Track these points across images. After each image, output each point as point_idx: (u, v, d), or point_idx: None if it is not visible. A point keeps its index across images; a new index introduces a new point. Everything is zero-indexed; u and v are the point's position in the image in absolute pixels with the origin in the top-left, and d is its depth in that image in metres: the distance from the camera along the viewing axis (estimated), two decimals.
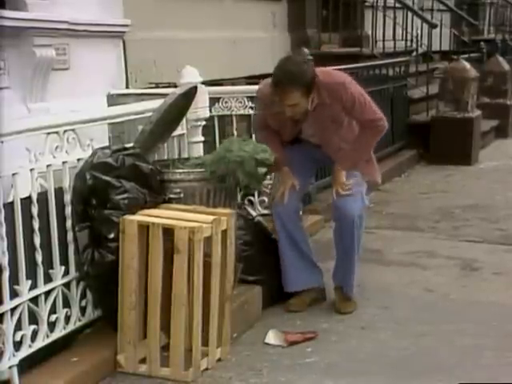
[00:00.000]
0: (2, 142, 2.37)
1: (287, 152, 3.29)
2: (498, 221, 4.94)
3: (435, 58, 8.88)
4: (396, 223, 4.95)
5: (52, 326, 2.65)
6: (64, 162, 2.67)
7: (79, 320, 2.78)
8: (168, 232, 2.66)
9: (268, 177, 3.36)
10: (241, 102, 4.07)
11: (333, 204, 3.27)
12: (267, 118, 3.27)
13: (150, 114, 3.16)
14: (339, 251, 3.33)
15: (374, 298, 3.52)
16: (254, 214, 3.72)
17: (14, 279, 2.47)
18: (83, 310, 2.80)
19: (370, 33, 7.53)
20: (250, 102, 4.06)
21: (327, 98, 3.10)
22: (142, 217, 2.72)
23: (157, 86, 4.63)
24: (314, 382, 2.72)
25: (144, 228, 2.68)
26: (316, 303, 3.41)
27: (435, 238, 4.61)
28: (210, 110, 3.88)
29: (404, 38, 8.00)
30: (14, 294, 2.47)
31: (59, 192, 2.68)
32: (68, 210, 2.71)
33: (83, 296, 2.80)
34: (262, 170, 3.08)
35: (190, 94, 3.27)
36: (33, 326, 2.56)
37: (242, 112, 4.08)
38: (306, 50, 5.01)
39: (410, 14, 7.89)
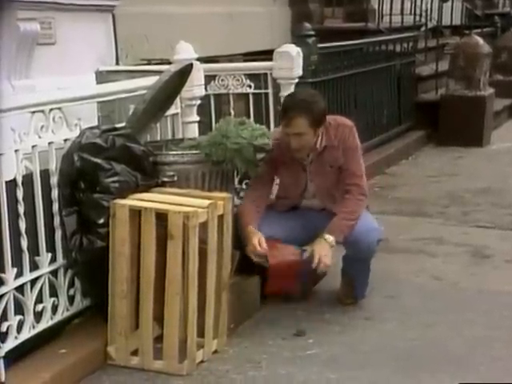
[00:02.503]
0: None
1: (279, 219, 3.24)
2: (510, 205, 4.94)
3: (446, 33, 8.85)
4: (402, 208, 4.95)
5: (38, 316, 2.66)
6: (50, 143, 2.66)
7: (67, 310, 2.79)
8: (161, 217, 2.66)
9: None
10: (238, 80, 4.06)
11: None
12: (275, 169, 3.25)
13: (141, 92, 3.15)
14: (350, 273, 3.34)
15: (379, 287, 3.53)
16: None
17: None
18: (71, 299, 2.80)
19: (376, 6, 7.50)
20: (248, 80, 4.05)
21: (334, 138, 3.18)
22: (133, 201, 2.72)
23: (149, 62, 4.62)
24: (316, 375, 2.73)
25: (136, 213, 2.68)
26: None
27: (444, 224, 4.62)
28: (206, 89, 3.86)
29: (412, 11, 7.96)
30: None
31: (45, 174, 2.67)
32: (54, 193, 2.71)
33: (71, 284, 2.80)
34: (261, 155, 3.09)
35: (186, 71, 3.26)
36: (19, 317, 2.56)
37: (239, 90, 4.07)
38: (307, 25, 4.98)
39: None
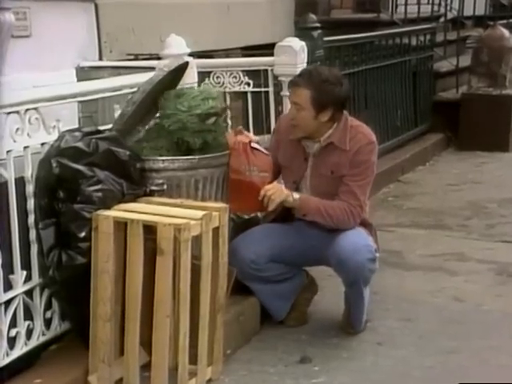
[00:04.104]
0: None
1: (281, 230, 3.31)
2: None
3: (467, 25, 8.89)
4: (419, 220, 4.97)
5: (12, 342, 2.65)
6: (26, 147, 2.67)
7: (43, 334, 2.78)
8: (149, 230, 2.67)
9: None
10: (235, 77, 4.08)
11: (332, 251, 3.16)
12: (276, 152, 3.31)
13: (127, 90, 3.16)
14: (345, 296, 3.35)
15: (393, 309, 3.54)
16: None
17: None
18: (48, 322, 2.80)
19: None
20: (247, 77, 4.07)
21: (349, 142, 3.19)
22: (118, 212, 2.73)
23: (136, 57, 4.64)
24: None
25: (121, 225, 2.69)
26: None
27: (466, 238, 4.63)
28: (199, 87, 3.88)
29: (430, 1, 8.00)
30: None
31: (20, 182, 2.68)
32: (30, 203, 2.71)
33: (48, 306, 2.80)
34: (211, 120, 3.10)
35: (180, 71, 3.27)
36: None
37: (236, 89, 4.10)
38: (312, 17, 5.00)
39: None
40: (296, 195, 3.19)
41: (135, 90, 3.21)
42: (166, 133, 3.08)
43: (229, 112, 4.07)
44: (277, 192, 3.13)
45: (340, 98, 3.17)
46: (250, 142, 3.17)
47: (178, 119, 3.05)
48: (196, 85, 3.71)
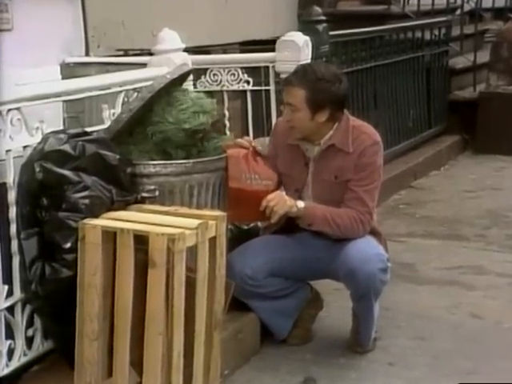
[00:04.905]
0: None
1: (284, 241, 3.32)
2: None
3: (486, 18, 8.91)
4: (433, 230, 4.97)
5: None
6: (7, 151, 2.68)
7: (24, 354, 2.78)
8: (141, 240, 2.67)
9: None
10: (234, 75, 4.09)
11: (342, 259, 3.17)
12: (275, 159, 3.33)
13: (116, 89, 3.18)
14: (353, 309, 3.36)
15: (405, 326, 3.54)
16: None
17: None
18: (30, 341, 2.80)
19: None
20: (246, 75, 4.08)
21: (351, 144, 3.20)
22: (107, 221, 2.74)
23: (126, 53, 4.66)
24: None
25: (110, 235, 2.69)
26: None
27: (484, 250, 4.64)
28: (195, 85, 3.90)
29: None
30: None
31: (1, 189, 2.69)
32: (12, 212, 2.72)
33: (30, 323, 2.80)
34: (199, 135, 3.12)
35: (182, 78, 3.27)
36: None
37: (235, 87, 4.11)
38: (317, 9, 5.01)
39: None
40: (301, 204, 3.18)
41: (125, 88, 3.23)
42: (149, 141, 3.09)
43: (227, 113, 4.10)
44: (280, 202, 3.13)
45: (338, 96, 3.17)
46: (253, 148, 3.18)
47: (163, 130, 3.06)
48: (191, 83, 3.73)
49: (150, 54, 3.86)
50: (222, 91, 4.10)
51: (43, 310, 2.79)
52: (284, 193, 3.27)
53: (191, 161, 3.07)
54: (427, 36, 6.76)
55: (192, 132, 3.09)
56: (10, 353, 2.73)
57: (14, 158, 2.72)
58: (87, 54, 4.47)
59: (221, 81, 4.10)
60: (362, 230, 3.19)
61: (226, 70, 4.10)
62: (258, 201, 3.12)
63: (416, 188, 5.91)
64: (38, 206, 2.72)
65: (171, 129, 3.06)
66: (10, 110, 2.65)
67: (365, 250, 3.13)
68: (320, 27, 4.91)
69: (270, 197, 3.13)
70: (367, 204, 3.19)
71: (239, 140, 3.26)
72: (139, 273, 2.68)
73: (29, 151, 2.76)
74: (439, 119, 7.04)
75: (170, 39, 3.68)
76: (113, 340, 2.73)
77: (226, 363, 3.03)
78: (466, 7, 8.08)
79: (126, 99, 3.27)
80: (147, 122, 3.11)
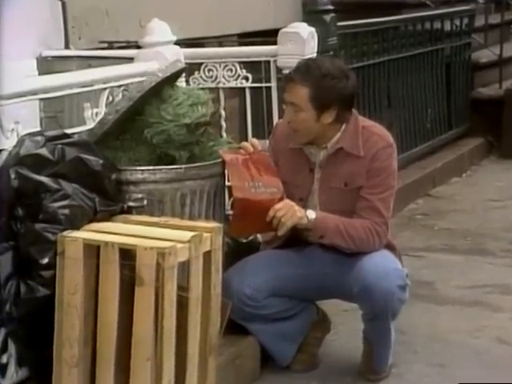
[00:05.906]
0: None
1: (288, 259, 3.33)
2: None
3: None
4: (454, 244, 4.98)
5: None
6: None
7: None
8: (127, 255, 2.68)
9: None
10: (231, 70, 4.11)
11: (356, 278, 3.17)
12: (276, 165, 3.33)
13: (99, 86, 3.19)
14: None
15: (423, 351, 3.54)
16: None
17: None
18: (3, 368, 2.80)
19: None
20: (244, 71, 4.09)
21: (362, 147, 3.21)
22: (89, 233, 2.74)
23: (110, 45, 4.67)
24: None
25: (93, 249, 2.70)
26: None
27: (511, 266, 4.64)
28: (188, 82, 3.91)
29: None
30: None
31: None
32: None
33: (3, 349, 2.80)
34: (201, 130, 3.14)
35: (175, 76, 3.28)
36: None
37: (232, 84, 4.12)
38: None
39: None
40: (312, 215, 3.16)
41: (109, 85, 3.24)
42: (148, 144, 3.10)
43: (223, 113, 4.11)
44: (288, 213, 3.10)
45: (345, 94, 3.19)
46: (252, 153, 3.18)
47: (163, 130, 3.07)
48: (184, 80, 3.75)
49: (138, 46, 3.88)
50: (217, 88, 4.11)
51: (18, 333, 2.79)
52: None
53: (183, 166, 3.07)
54: (447, 27, 6.78)
55: (194, 126, 3.10)
56: None
57: None
58: (67, 47, 4.48)
59: (216, 77, 4.11)
60: (378, 243, 3.20)
61: (223, 65, 4.11)
62: (264, 211, 3.09)
63: (435, 197, 5.92)
64: (12, 216, 2.72)
65: (171, 127, 3.07)
66: None
67: (382, 264, 3.13)
68: (327, 17, 4.93)
69: (277, 206, 3.10)
70: (383, 214, 3.20)
71: (244, 143, 3.25)
72: (125, 291, 2.69)
73: (3, 156, 2.77)
74: (461, 120, 7.05)
75: (160, 30, 3.69)
76: (95, 367, 2.73)
77: None
78: None
79: (110, 97, 3.29)
80: (138, 126, 3.12)
